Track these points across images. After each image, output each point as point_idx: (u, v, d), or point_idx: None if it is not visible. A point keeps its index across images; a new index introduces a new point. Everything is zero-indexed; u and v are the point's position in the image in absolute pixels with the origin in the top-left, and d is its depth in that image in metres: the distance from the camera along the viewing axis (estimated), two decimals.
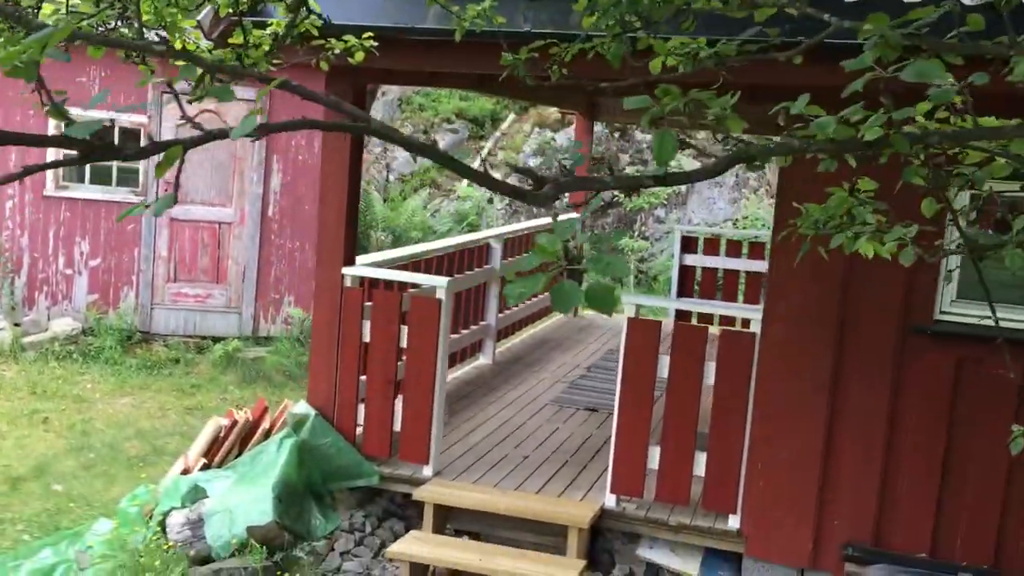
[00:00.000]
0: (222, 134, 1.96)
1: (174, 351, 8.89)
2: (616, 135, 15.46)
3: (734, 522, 4.86)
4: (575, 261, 1.20)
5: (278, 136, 9.36)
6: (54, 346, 8.52)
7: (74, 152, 1.70)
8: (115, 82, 8.97)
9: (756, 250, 10.16)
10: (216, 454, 5.40)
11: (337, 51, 4.52)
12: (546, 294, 9.71)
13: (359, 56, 4.53)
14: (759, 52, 2.06)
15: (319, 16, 3.79)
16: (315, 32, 4.45)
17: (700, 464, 4.88)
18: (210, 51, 4.53)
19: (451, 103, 16.05)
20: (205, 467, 5.35)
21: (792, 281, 4.60)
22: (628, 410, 4.95)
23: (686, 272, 10.22)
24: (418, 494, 5.10)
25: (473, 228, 14.08)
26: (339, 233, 5.40)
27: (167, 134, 9.10)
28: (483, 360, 8.03)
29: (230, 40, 4.58)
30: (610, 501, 5.04)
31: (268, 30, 4.45)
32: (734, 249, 10.28)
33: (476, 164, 15.51)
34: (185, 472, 5.32)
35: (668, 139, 1.42)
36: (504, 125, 15.93)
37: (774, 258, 4.66)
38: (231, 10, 4.24)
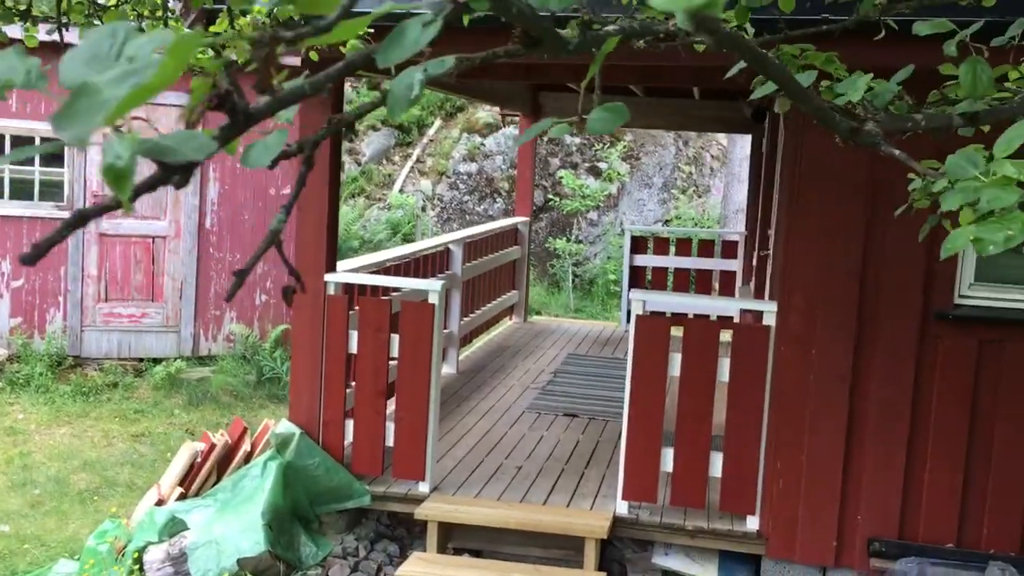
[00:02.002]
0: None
1: (110, 375, 8.29)
2: (545, 139, 15.32)
3: (753, 523, 4.70)
4: None
5: None
6: None
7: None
8: (33, 91, 8.34)
9: (705, 248, 10.14)
10: (193, 482, 4.96)
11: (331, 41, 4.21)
12: (507, 294, 9.47)
13: (352, 45, 4.23)
14: None
15: None
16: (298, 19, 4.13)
17: (716, 465, 4.70)
18: None
19: (379, 110, 15.64)
20: (181, 496, 4.91)
21: (807, 270, 4.48)
22: (639, 412, 4.74)
23: (636, 272, 10.13)
24: (421, 512, 4.78)
25: (407, 237, 13.72)
26: (320, 239, 5.04)
27: (93, 144, 8.51)
28: (447, 369, 7.71)
29: (211, 28, 4.22)
30: (622, 508, 4.82)
31: (249, 17, 4.10)
32: (682, 248, 10.26)
33: (406, 170, 15.17)
34: (160, 503, 4.87)
35: (982, 69, 1.21)
36: (431, 131, 15.63)
37: (788, 246, 4.53)
38: None
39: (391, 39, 0.73)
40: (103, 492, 6.15)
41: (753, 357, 4.59)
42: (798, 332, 4.52)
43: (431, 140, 15.54)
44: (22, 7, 2.58)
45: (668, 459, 4.74)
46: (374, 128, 15.53)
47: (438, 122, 15.74)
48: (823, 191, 4.38)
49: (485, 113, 15.27)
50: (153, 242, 8.82)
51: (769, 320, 4.60)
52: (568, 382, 7.63)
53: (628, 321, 9.76)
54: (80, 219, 0.68)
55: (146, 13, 3.17)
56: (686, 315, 8.63)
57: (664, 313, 7.17)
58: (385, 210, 14.41)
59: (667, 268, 10.13)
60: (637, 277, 10.13)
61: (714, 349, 4.64)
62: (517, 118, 11.31)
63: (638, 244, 10.14)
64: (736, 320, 8.16)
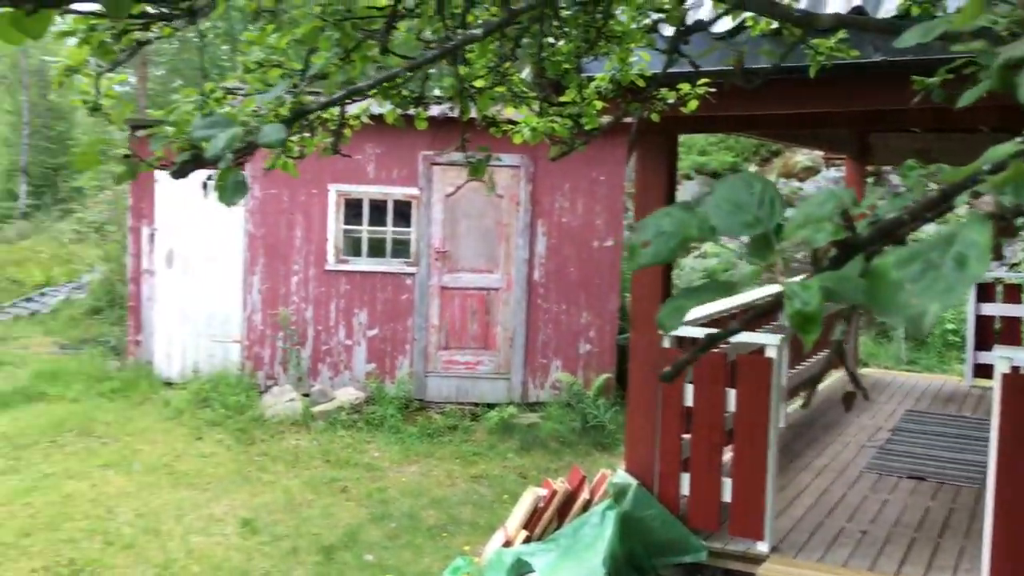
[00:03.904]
0: None
1: (450, 418, 8.93)
2: (871, 180, 14.55)
3: None
4: None
5: (542, 200, 9.36)
6: (341, 415, 8.77)
7: None
8: (387, 158, 9.31)
9: None
10: (536, 526, 5.20)
11: (670, 101, 4.32)
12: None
13: (692, 105, 4.31)
14: None
15: (686, 58, 3.53)
16: (641, 83, 4.27)
17: None
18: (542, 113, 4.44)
19: (689, 159, 15.75)
20: (526, 539, 5.16)
21: None
22: (1009, 481, 4.31)
23: (981, 322, 9.28)
24: (763, 573, 4.66)
25: None
26: (656, 291, 5.14)
27: (436, 205, 9.31)
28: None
29: (562, 97, 4.48)
30: None
31: (593, 85, 4.31)
32: None
33: None
34: (507, 544, 5.15)
35: None
36: None
37: None
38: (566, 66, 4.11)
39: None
40: (450, 529, 6.60)
41: None
42: None
43: None
44: (415, 95, 2.92)
45: None
46: (688, 177, 15.60)
47: (753, 168, 15.50)
48: None
49: (803, 156, 14.81)
50: (487, 294, 9.42)
51: None
52: (909, 441, 7.11)
53: (974, 376, 9.02)
54: (678, 368, 0.76)
55: (521, 90, 3.43)
56: None
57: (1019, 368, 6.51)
58: (700, 258, 14.36)
59: (1020, 318, 9.19)
60: (983, 328, 9.27)
61: None
62: (840, 161, 10.86)
63: (985, 291, 9.30)
64: None
